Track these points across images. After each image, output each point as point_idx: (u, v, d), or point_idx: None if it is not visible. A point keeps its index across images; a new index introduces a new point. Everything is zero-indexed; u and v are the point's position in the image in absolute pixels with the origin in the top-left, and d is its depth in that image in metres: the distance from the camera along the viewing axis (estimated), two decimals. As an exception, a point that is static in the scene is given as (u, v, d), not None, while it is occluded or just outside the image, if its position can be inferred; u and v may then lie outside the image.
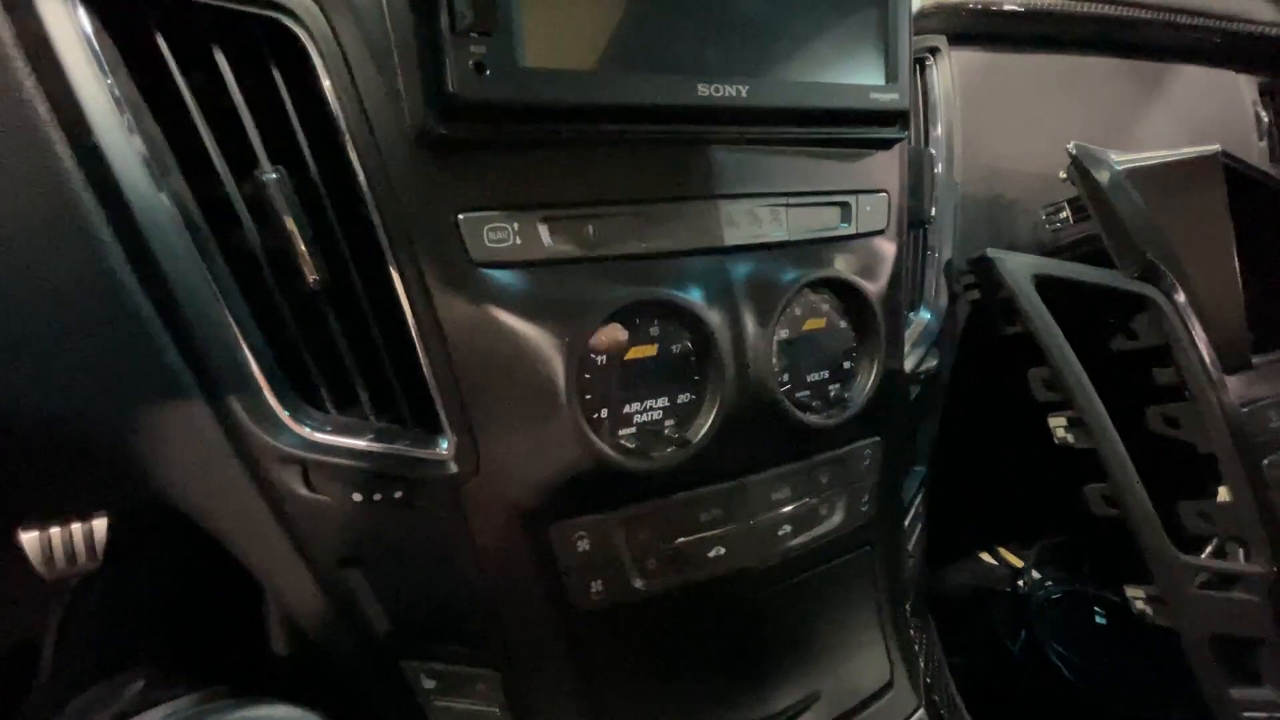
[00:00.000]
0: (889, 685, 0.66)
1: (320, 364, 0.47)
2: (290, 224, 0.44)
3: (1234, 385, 0.71)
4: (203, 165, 0.44)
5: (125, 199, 0.41)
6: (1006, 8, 0.78)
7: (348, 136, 0.42)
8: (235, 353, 0.44)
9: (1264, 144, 1.12)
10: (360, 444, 0.47)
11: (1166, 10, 0.91)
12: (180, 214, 0.43)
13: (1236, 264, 0.71)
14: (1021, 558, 1.41)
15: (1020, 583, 1.34)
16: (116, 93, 0.40)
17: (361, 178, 0.43)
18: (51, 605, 0.74)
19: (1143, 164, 0.74)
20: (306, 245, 0.44)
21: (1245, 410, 0.72)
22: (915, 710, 0.65)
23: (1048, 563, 1.38)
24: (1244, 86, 1.10)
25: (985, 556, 1.47)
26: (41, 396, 0.42)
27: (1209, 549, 0.76)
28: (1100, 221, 0.72)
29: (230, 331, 0.44)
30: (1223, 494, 0.71)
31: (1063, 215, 0.81)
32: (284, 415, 0.46)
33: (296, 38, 0.41)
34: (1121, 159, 0.74)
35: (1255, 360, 0.72)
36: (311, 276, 0.45)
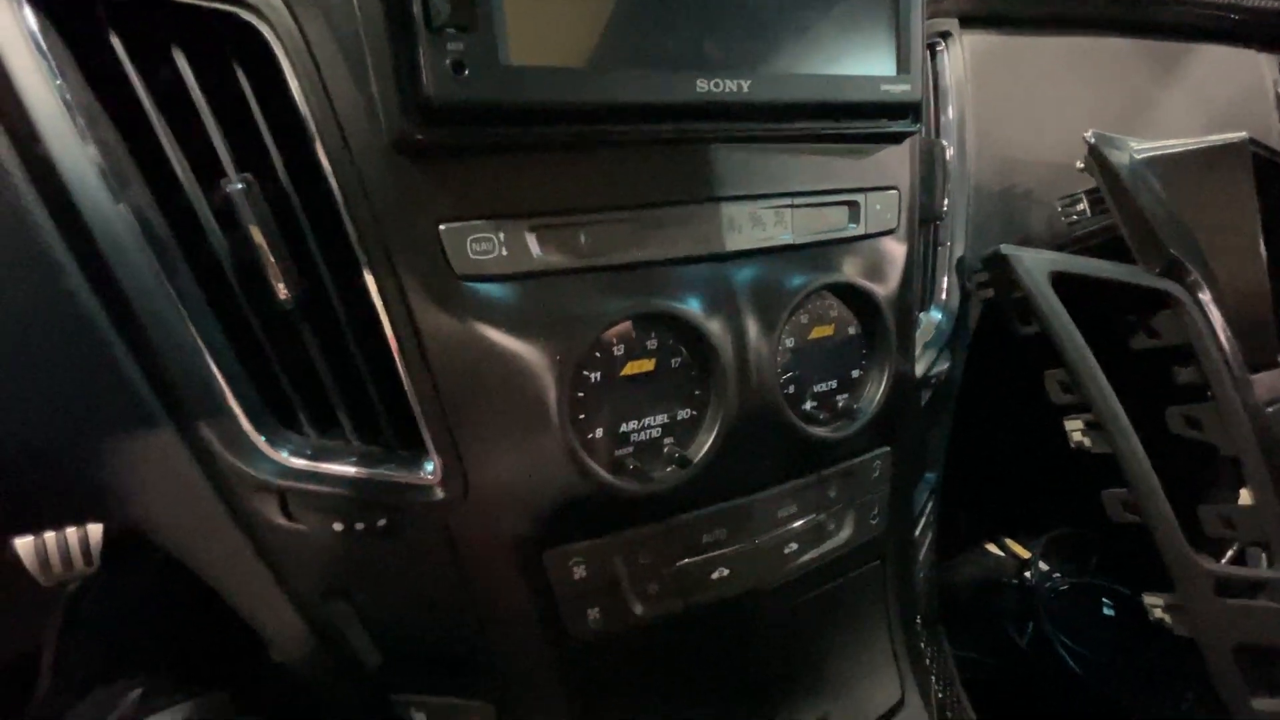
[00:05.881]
0: (900, 704, 0.64)
1: (297, 385, 0.45)
2: (258, 236, 0.41)
3: (1259, 384, 0.68)
4: (166, 175, 0.41)
5: (81, 213, 0.38)
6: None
7: (319, 142, 0.39)
8: (205, 375, 0.42)
9: (1285, 125, 1.08)
10: (341, 469, 0.44)
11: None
12: (142, 228, 0.40)
13: (1264, 258, 0.67)
14: (1028, 549, 1.39)
15: (1027, 574, 1.33)
16: (67, 97, 0.38)
17: (335, 186, 0.40)
18: (50, 611, 0.73)
19: (1164, 152, 0.70)
20: (278, 258, 0.42)
21: (1271, 410, 0.69)
22: (928, 729, 0.63)
23: (1055, 554, 1.36)
24: (1265, 66, 1.06)
25: (992, 548, 1.45)
26: (6, 427, 0.40)
27: (1229, 554, 0.74)
28: (1119, 214, 0.68)
29: (199, 353, 0.42)
30: (1244, 497, 0.69)
31: (1079, 207, 0.78)
32: (259, 441, 0.43)
33: (261, 36, 0.38)
34: (1142, 147, 0.70)
35: (1281, 358, 0.69)
36: (283, 292, 0.42)
